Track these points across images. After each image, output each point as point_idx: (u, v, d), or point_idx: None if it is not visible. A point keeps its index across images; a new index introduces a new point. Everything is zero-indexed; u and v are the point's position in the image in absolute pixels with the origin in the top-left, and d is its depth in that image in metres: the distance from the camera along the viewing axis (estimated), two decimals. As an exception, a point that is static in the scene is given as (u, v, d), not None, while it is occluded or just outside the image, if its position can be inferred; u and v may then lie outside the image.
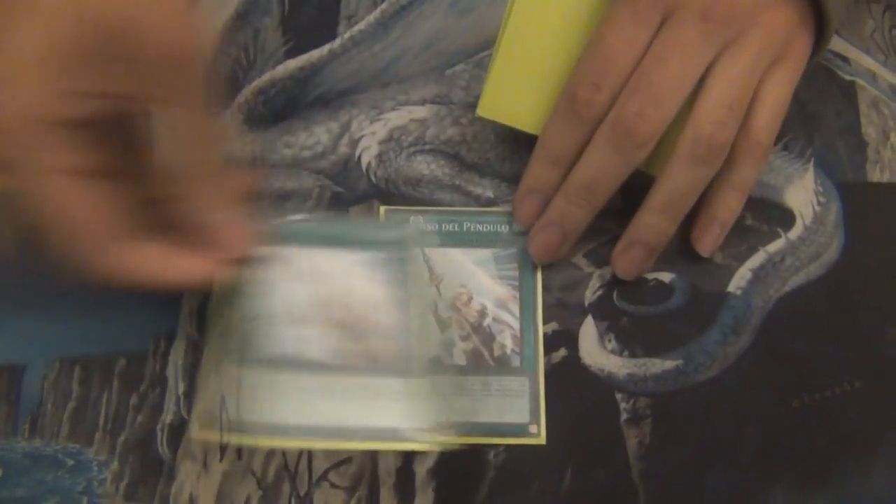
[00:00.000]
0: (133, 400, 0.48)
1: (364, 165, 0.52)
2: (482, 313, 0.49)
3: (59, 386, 0.49)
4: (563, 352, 0.48)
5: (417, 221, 0.50)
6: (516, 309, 0.49)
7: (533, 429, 0.47)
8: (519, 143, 0.52)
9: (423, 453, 0.46)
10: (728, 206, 0.48)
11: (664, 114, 0.45)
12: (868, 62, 0.54)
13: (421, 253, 0.49)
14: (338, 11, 0.56)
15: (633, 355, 0.48)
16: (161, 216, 0.41)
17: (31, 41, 0.36)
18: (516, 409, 0.47)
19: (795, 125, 0.53)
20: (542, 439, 0.47)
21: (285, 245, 0.45)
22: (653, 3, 0.45)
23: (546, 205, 0.48)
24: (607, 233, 0.50)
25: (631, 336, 0.49)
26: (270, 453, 0.47)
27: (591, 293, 0.50)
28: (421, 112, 0.53)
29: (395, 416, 0.43)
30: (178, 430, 0.47)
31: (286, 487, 0.46)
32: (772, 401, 0.47)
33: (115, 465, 0.47)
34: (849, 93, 0.54)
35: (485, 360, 0.48)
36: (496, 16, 0.54)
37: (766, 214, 0.51)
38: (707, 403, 0.47)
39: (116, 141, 0.40)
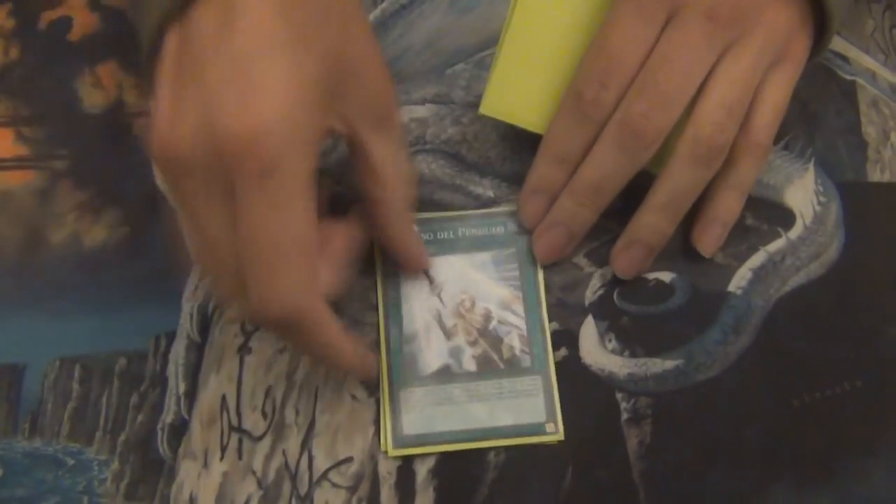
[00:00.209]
0: (133, 399, 0.48)
1: (364, 165, 0.52)
2: (487, 317, 0.48)
3: (60, 385, 0.49)
4: (563, 351, 0.48)
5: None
6: (521, 309, 0.49)
7: (550, 427, 0.47)
8: (520, 143, 0.52)
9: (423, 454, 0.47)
10: (728, 206, 0.49)
11: (670, 114, 0.45)
12: (868, 62, 0.55)
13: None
14: (338, 11, 0.56)
15: (633, 355, 0.48)
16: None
17: (285, 67, 0.38)
18: (532, 409, 0.47)
19: (796, 125, 0.53)
20: (559, 435, 0.47)
21: None
22: (658, 1, 0.45)
23: (551, 204, 0.48)
24: (608, 232, 0.50)
25: (631, 336, 0.49)
26: (270, 453, 0.47)
27: (591, 293, 0.50)
28: (421, 111, 0.53)
29: (537, 412, 0.47)
30: (179, 430, 0.47)
31: (287, 487, 0.46)
32: (772, 400, 0.48)
33: (115, 465, 0.47)
34: (849, 92, 0.54)
35: (495, 364, 0.48)
36: (496, 15, 0.54)
37: (767, 214, 0.51)
38: (708, 403, 0.47)
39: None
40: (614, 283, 0.50)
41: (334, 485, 0.46)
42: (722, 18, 0.44)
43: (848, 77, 0.54)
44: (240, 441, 0.47)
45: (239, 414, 0.47)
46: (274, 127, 0.37)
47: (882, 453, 0.47)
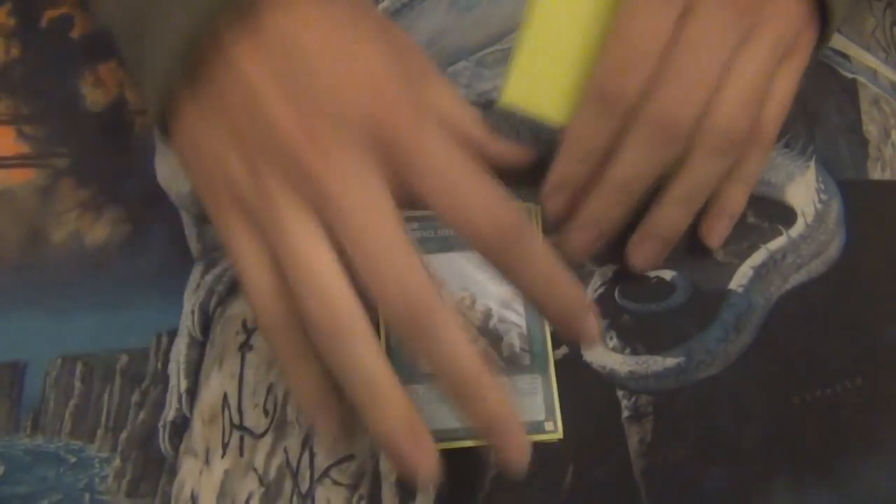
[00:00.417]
0: (135, 397, 0.48)
1: (365, 163, 0.52)
2: (487, 315, 0.48)
3: (61, 383, 0.49)
4: (564, 349, 0.48)
5: (414, 228, 0.50)
6: (520, 307, 0.49)
7: (549, 425, 0.47)
8: (520, 142, 0.52)
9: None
10: (737, 199, 0.49)
11: (700, 101, 0.44)
12: (869, 60, 0.55)
13: None
14: (339, 9, 0.56)
15: (634, 353, 0.48)
16: None
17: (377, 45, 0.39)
18: (532, 408, 0.47)
19: (797, 123, 0.53)
20: (559, 434, 0.47)
21: None
22: None
23: (574, 199, 0.47)
24: (608, 231, 0.50)
25: (632, 334, 0.49)
26: (272, 450, 0.47)
27: (592, 291, 0.50)
28: (422, 110, 0.53)
29: (536, 410, 0.46)
30: (180, 427, 0.47)
31: (288, 484, 0.46)
32: (773, 398, 0.48)
33: (116, 462, 0.47)
34: (850, 90, 0.54)
35: (495, 363, 0.48)
36: (497, 13, 0.54)
37: (768, 212, 0.51)
38: (708, 401, 0.48)
39: None
40: (615, 281, 0.50)
41: (335, 482, 0.46)
42: (740, 5, 0.44)
43: (849, 75, 0.54)
44: (241, 439, 0.47)
45: (240, 411, 0.47)
46: (399, 87, 0.38)
47: (882, 452, 0.47)
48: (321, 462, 0.47)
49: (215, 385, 0.48)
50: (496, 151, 0.47)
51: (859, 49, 0.55)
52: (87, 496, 0.46)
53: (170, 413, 0.48)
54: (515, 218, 0.38)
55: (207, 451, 0.47)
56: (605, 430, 0.47)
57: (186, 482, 0.46)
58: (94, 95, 0.54)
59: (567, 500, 0.46)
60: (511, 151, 0.48)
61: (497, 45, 0.54)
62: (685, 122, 0.44)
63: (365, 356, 0.38)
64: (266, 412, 0.47)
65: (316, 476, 0.46)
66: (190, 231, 0.51)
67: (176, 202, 0.51)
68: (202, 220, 0.51)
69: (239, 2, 0.38)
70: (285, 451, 0.47)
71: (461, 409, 0.39)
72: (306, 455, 0.47)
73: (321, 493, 0.46)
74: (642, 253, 0.48)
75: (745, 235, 0.51)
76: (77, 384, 0.49)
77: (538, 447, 0.46)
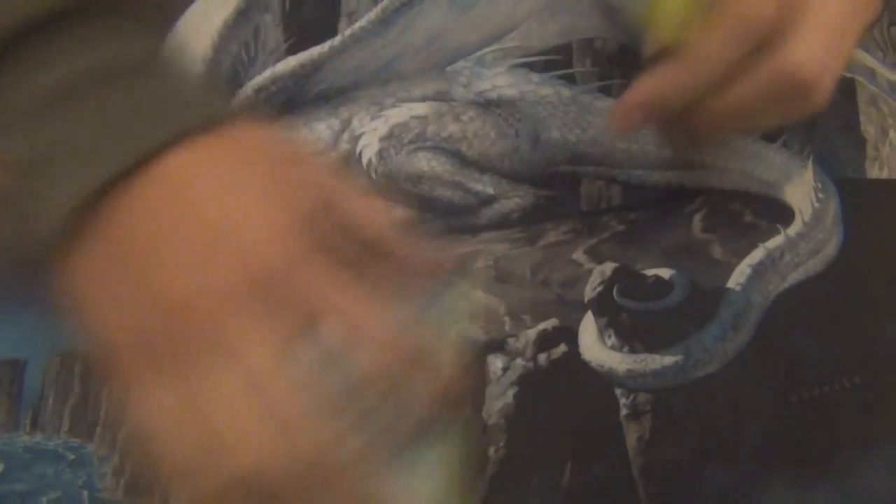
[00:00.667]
0: (134, 395, 0.48)
1: (365, 162, 0.52)
2: None
3: (61, 381, 0.49)
4: (562, 348, 0.49)
5: None
6: None
7: None
8: (519, 140, 0.52)
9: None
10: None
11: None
12: (867, 59, 0.55)
13: None
14: (338, 8, 0.56)
15: (632, 351, 0.48)
16: None
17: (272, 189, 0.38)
18: None
19: (794, 121, 0.53)
20: None
21: None
22: None
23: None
24: (608, 229, 0.50)
25: (631, 332, 0.49)
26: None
27: (591, 289, 0.50)
28: (422, 109, 0.53)
29: None
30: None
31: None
32: (771, 396, 0.48)
33: (115, 460, 0.47)
34: (848, 90, 0.54)
35: None
36: (497, 13, 0.54)
37: (766, 211, 0.51)
38: (706, 399, 0.48)
39: None
40: (613, 279, 0.50)
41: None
42: None
43: (847, 75, 0.54)
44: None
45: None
46: (291, 232, 0.37)
47: (880, 449, 0.47)
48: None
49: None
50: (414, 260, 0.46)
51: (857, 49, 0.55)
52: (85, 494, 0.46)
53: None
54: (412, 348, 0.38)
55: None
56: (603, 429, 0.47)
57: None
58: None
59: (565, 498, 0.46)
60: (427, 261, 0.47)
61: (496, 45, 0.54)
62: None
63: None
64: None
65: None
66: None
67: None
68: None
69: (139, 156, 0.37)
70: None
71: None
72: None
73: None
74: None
75: (743, 234, 0.51)
76: (76, 382, 0.49)
77: (537, 444, 0.47)
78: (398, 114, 0.53)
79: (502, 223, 0.52)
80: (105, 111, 0.37)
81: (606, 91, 0.53)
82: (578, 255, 0.50)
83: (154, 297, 0.37)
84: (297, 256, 0.37)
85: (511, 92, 0.54)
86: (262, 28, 0.56)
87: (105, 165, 0.36)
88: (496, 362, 0.48)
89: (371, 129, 0.53)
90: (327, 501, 0.36)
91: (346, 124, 0.53)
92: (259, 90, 0.54)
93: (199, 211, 0.37)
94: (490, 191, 0.52)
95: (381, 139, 0.53)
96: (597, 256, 0.50)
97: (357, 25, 0.55)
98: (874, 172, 0.53)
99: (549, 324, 0.49)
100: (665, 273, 0.50)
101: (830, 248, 0.51)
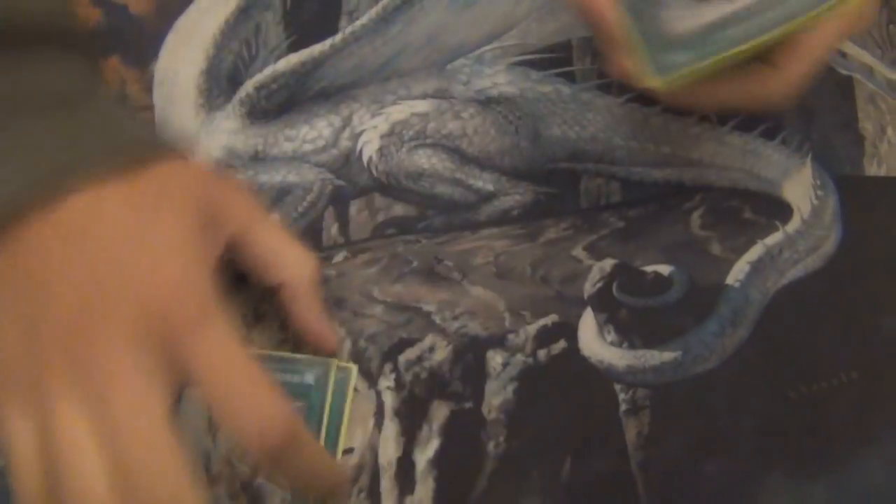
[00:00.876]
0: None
1: (365, 159, 0.53)
2: (255, 471, 0.45)
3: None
4: (562, 343, 0.49)
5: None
6: None
7: None
8: (519, 137, 0.52)
9: (424, 443, 0.47)
10: None
11: None
12: (865, 57, 0.55)
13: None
14: (339, 6, 0.56)
15: (632, 347, 0.49)
16: None
17: (174, 228, 0.39)
18: None
19: (793, 120, 0.53)
20: None
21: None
22: None
23: None
24: (607, 226, 0.51)
25: (630, 328, 0.49)
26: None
27: (590, 286, 0.50)
28: (422, 106, 0.54)
29: None
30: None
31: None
32: (769, 392, 0.48)
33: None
34: (846, 88, 0.54)
35: None
36: (497, 10, 0.54)
37: (764, 208, 0.52)
38: (705, 394, 0.48)
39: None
40: (613, 276, 0.50)
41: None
42: None
43: (845, 72, 0.55)
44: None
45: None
46: (185, 277, 0.38)
47: (878, 444, 0.47)
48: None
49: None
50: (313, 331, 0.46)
51: (855, 46, 0.55)
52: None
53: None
54: (289, 425, 0.38)
55: (208, 444, 0.47)
56: (602, 424, 0.47)
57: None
58: (95, 92, 0.55)
59: (565, 493, 0.46)
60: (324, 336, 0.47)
61: (496, 43, 0.55)
62: None
63: None
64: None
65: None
66: (191, 226, 0.52)
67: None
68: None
69: (43, 186, 0.37)
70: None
71: None
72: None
73: (321, 485, 0.46)
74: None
75: (742, 231, 0.51)
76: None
77: (537, 440, 0.47)
78: (399, 111, 0.54)
79: (502, 220, 0.52)
80: (21, 140, 0.38)
81: (606, 89, 0.54)
82: (578, 251, 0.51)
83: (35, 316, 0.37)
84: (194, 311, 0.37)
85: (511, 89, 0.54)
86: (263, 26, 0.56)
87: (8, 195, 0.37)
88: (496, 358, 0.48)
89: (372, 127, 0.53)
90: None
91: (346, 122, 0.53)
92: (260, 88, 0.54)
93: (101, 246, 0.37)
94: (490, 187, 0.52)
95: (382, 136, 0.53)
96: (596, 253, 0.51)
97: (358, 23, 0.55)
98: (872, 170, 0.53)
99: (549, 320, 0.49)
100: (664, 269, 0.50)
101: (829, 245, 0.51)
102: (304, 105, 0.54)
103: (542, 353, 0.48)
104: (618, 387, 0.48)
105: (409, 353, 0.48)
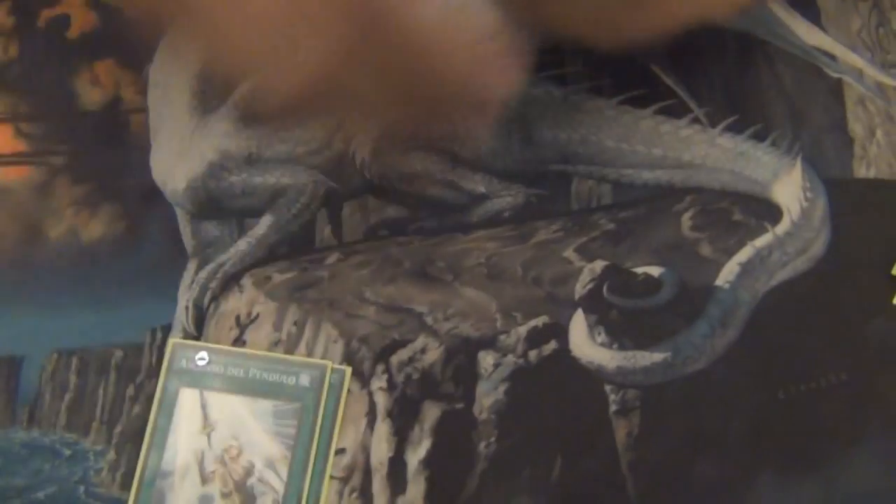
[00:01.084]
0: (129, 391, 0.49)
1: (358, 161, 0.53)
2: (248, 471, 0.46)
3: (57, 377, 0.49)
4: (553, 344, 0.49)
5: (204, 358, 0.47)
6: (284, 471, 0.46)
7: None
8: (511, 140, 0.53)
9: (415, 444, 0.47)
10: None
11: None
12: (855, 60, 0.55)
13: (198, 396, 0.47)
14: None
15: (622, 348, 0.49)
16: None
17: None
18: None
19: (783, 122, 0.54)
20: None
21: (192, 389, 0.46)
22: None
23: None
24: (598, 227, 0.51)
25: (620, 329, 0.49)
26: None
27: (581, 287, 0.50)
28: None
29: None
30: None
31: (280, 477, 0.47)
32: (758, 392, 0.48)
33: (111, 455, 0.48)
34: (836, 90, 0.55)
35: None
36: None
37: (754, 209, 0.52)
38: (695, 395, 0.48)
39: None
40: (604, 277, 0.50)
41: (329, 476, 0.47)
42: None
43: (835, 75, 0.55)
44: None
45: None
46: None
47: (865, 444, 0.47)
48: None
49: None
50: None
51: (845, 49, 0.55)
52: (81, 488, 0.47)
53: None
54: None
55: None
56: (593, 424, 0.48)
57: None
58: (90, 94, 0.55)
59: (555, 493, 0.46)
60: None
61: (488, 45, 0.55)
62: None
63: None
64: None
65: (308, 469, 0.47)
66: (184, 228, 0.52)
67: (171, 199, 0.52)
68: (197, 217, 0.52)
69: None
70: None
71: None
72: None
73: (313, 485, 0.47)
74: None
75: (732, 232, 0.51)
76: (73, 378, 0.49)
77: (528, 439, 0.47)
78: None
79: (494, 221, 0.53)
80: None
81: (597, 91, 0.54)
82: (569, 252, 0.51)
83: None
84: None
85: (503, 92, 0.54)
86: (257, 29, 0.56)
87: None
88: (487, 358, 0.49)
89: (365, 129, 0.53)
90: None
91: (340, 124, 0.54)
92: (255, 90, 0.54)
93: None
94: (482, 189, 0.52)
95: (375, 138, 0.53)
96: (587, 254, 0.51)
97: (351, 26, 0.56)
98: (861, 171, 0.53)
99: (540, 321, 0.49)
100: (654, 271, 0.50)
101: (818, 247, 0.51)
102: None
103: (532, 354, 0.49)
104: (608, 387, 0.48)
105: (402, 354, 0.49)
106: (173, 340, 0.48)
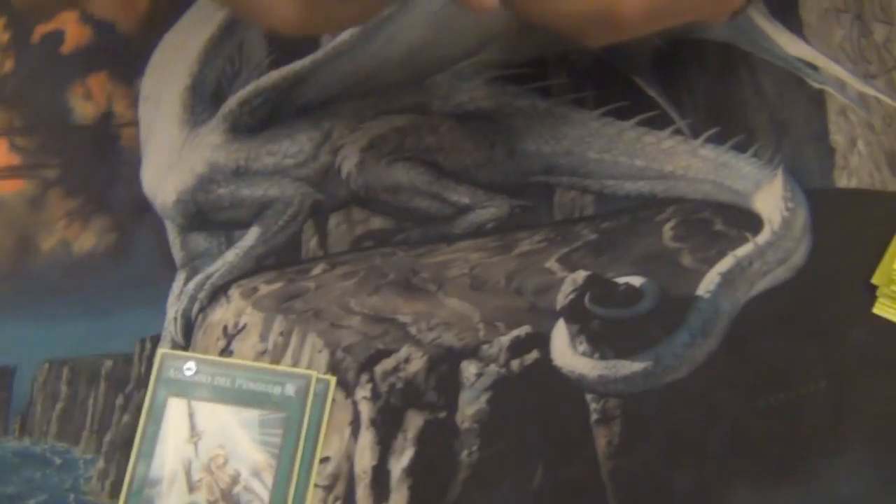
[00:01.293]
0: (119, 400, 0.50)
1: (344, 173, 0.54)
2: (235, 479, 0.47)
3: (48, 387, 0.50)
4: (535, 354, 0.49)
5: (191, 368, 0.48)
6: (270, 480, 0.47)
7: None
8: (495, 151, 0.53)
9: (398, 452, 0.48)
10: None
11: None
12: (837, 70, 0.55)
13: (185, 406, 0.48)
14: (321, 23, 0.57)
15: (603, 357, 0.49)
16: None
17: None
18: None
19: (765, 132, 0.54)
20: None
21: (180, 399, 0.47)
22: None
23: None
24: (580, 238, 0.51)
25: (602, 338, 0.50)
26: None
27: (563, 297, 0.51)
28: (401, 121, 0.55)
29: None
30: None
31: (265, 485, 0.48)
32: (738, 401, 0.49)
33: (101, 464, 0.48)
34: (818, 100, 0.55)
35: None
36: (475, 27, 0.55)
37: (735, 219, 0.52)
38: (675, 404, 0.49)
39: None
40: (585, 287, 0.51)
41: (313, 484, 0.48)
42: None
43: (817, 85, 0.55)
44: (220, 441, 0.48)
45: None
46: None
47: (845, 453, 0.48)
48: (298, 463, 0.48)
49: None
50: None
51: (827, 60, 0.55)
52: (71, 496, 0.48)
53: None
54: None
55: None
56: (573, 433, 0.48)
57: (167, 483, 0.48)
58: (82, 108, 0.56)
59: (536, 501, 0.47)
60: None
61: (474, 58, 0.55)
62: None
63: None
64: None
65: (293, 477, 0.48)
66: (174, 240, 0.53)
67: (160, 212, 0.53)
68: (186, 229, 0.53)
69: None
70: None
71: None
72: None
73: (297, 493, 0.47)
74: None
75: (713, 242, 0.52)
76: (63, 388, 0.50)
77: (509, 449, 0.48)
78: (378, 126, 0.55)
79: (478, 232, 0.53)
80: None
81: (581, 103, 0.55)
82: (551, 263, 0.51)
83: None
84: None
85: (488, 104, 0.55)
86: (246, 43, 0.57)
87: None
88: (470, 368, 0.49)
89: (351, 141, 0.54)
90: None
91: (326, 136, 0.54)
92: (243, 103, 0.55)
93: None
94: (466, 200, 0.53)
95: (361, 150, 0.54)
96: (569, 264, 0.51)
97: (339, 39, 0.56)
98: (842, 182, 0.53)
99: (522, 330, 0.50)
100: (636, 281, 0.51)
101: (799, 257, 0.51)
102: (286, 120, 0.55)
103: (515, 364, 0.49)
104: (589, 396, 0.49)
105: (386, 364, 0.49)
106: (162, 351, 0.49)
